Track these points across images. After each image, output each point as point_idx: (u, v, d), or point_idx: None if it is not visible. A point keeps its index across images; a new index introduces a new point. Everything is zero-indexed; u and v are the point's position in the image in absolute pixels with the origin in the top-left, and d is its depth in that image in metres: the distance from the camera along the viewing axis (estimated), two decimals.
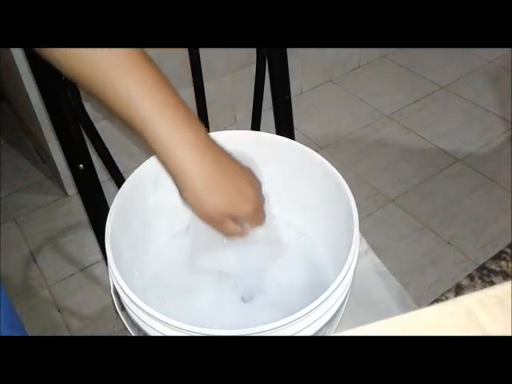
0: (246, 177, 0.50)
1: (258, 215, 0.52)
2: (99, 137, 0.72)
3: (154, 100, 0.45)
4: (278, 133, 0.82)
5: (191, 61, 0.75)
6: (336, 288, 0.47)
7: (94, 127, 0.71)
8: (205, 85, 0.78)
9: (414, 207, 1.50)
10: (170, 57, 1.41)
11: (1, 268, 1.33)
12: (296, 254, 0.64)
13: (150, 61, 0.47)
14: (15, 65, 1.27)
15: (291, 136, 0.84)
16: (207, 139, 0.48)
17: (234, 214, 0.49)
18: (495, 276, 0.52)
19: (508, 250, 0.54)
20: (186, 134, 0.46)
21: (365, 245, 0.74)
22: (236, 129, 0.63)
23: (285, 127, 0.83)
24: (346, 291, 0.50)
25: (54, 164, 1.49)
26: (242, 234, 0.52)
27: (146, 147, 0.47)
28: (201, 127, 0.48)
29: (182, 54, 0.72)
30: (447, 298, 0.50)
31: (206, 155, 0.47)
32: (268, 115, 0.83)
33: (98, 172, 0.73)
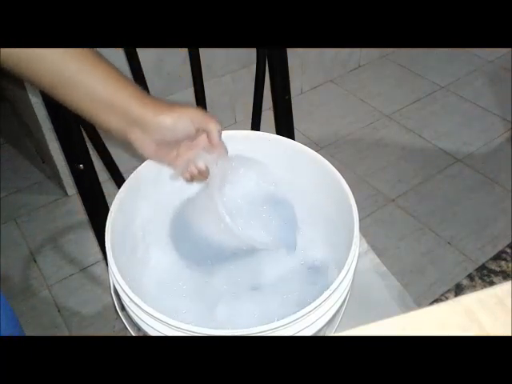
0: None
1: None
2: (99, 137, 0.72)
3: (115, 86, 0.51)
4: (278, 133, 0.82)
5: (191, 61, 0.75)
6: (336, 288, 0.47)
7: (94, 127, 0.71)
8: (205, 85, 0.78)
9: (414, 207, 1.50)
10: (170, 57, 1.41)
11: (1, 268, 1.33)
12: (296, 254, 0.64)
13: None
14: None
15: (291, 136, 0.84)
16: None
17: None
18: (495, 276, 0.52)
19: (508, 250, 0.54)
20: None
21: (365, 245, 0.74)
22: (236, 129, 0.63)
23: (285, 127, 0.83)
24: (346, 291, 0.50)
25: (54, 164, 1.49)
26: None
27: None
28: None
29: (181, 54, 0.72)
30: (447, 298, 0.50)
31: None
32: (268, 115, 0.83)
33: (98, 172, 0.73)
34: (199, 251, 0.61)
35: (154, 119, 0.51)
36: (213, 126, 0.55)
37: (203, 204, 0.59)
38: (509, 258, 0.54)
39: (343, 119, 1.83)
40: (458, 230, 1.42)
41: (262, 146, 0.62)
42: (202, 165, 0.57)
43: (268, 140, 0.63)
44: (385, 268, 0.72)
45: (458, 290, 0.51)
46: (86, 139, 0.70)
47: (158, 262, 0.64)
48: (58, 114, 0.66)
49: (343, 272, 0.48)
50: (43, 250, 1.42)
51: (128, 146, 0.54)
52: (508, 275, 0.52)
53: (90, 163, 0.71)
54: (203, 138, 0.56)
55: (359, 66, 2.07)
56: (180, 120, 0.53)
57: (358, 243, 0.51)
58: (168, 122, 0.52)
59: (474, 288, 0.51)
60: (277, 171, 0.61)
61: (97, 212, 0.75)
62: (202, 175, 0.58)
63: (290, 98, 0.81)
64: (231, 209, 0.58)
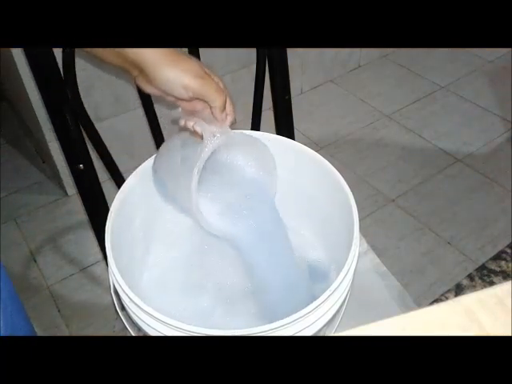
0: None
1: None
2: (99, 137, 0.72)
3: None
4: (278, 133, 0.82)
5: None
6: (336, 288, 0.47)
7: (94, 127, 0.71)
8: None
9: (414, 207, 1.50)
10: None
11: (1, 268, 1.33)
12: (296, 254, 0.64)
13: None
14: (15, 65, 1.27)
15: (291, 136, 0.84)
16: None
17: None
18: (495, 276, 0.52)
19: (508, 250, 0.54)
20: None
21: (365, 245, 0.74)
22: (236, 129, 0.62)
23: (285, 127, 0.83)
24: (346, 291, 0.50)
25: (54, 164, 1.49)
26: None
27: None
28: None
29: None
30: (447, 298, 0.50)
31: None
32: (268, 115, 0.83)
33: (98, 172, 0.73)
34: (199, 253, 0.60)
35: (153, 67, 0.49)
36: (215, 102, 0.51)
37: (185, 167, 0.55)
38: (509, 258, 0.54)
39: (343, 119, 1.83)
40: (458, 230, 1.42)
41: None
42: (198, 130, 0.53)
43: (268, 140, 0.63)
44: (385, 268, 0.72)
45: (458, 290, 0.51)
46: (86, 139, 0.70)
47: (157, 261, 0.64)
48: (57, 114, 0.66)
49: (343, 272, 0.48)
50: (43, 250, 1.42)
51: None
52: (508, 275, 0.52)
53: (90, 163, 0.71)
54: (206, 106, 0.53)
55: (359, 66, 2.07)
56: (179, 79, 0.50)
57: (357, 243, 0.51)
58: (171, 75, 0.49)
59: (474, 288, 0.51)
60: (277, 170, 0.61)
61: (97, 212, 0.75)
62: (195, 136, 0.55)
63: (289, 98, 0.81)
64: (211, 188, 0.56)
